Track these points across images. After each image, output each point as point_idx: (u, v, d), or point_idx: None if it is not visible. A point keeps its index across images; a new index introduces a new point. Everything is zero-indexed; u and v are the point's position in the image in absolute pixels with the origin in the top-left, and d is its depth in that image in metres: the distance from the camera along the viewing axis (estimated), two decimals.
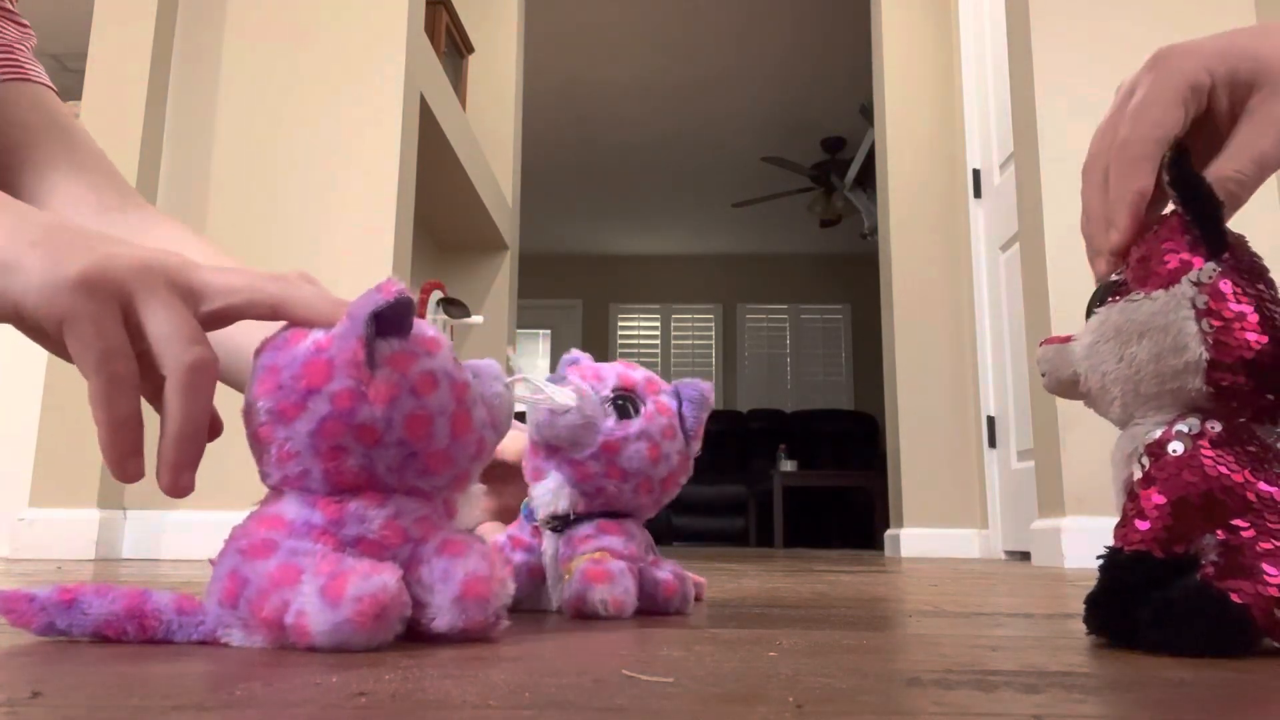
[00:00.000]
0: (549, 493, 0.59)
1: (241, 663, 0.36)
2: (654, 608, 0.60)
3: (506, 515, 0.67)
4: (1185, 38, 0.52)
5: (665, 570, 0.62)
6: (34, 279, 0.38)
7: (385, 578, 0.39)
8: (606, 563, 0.57)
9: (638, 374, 0.61)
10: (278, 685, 0.31)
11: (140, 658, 0.37)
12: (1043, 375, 0.54)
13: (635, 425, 0.58)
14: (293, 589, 0.39)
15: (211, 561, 0.42)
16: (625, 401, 0.59)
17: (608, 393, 0.59)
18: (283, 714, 0.26)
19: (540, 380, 0.58)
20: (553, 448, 0.59)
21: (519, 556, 0.61)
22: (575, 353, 0.64)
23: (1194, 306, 0.45)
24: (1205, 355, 0.45)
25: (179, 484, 0.40)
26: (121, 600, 0.40)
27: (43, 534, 1.84)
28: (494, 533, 0.65)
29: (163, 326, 0.39)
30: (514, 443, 0.64)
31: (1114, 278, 0.50)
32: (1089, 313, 0.52)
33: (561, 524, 0.59)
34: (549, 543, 0.60)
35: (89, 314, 0.38)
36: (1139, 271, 0.48)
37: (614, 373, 0.61)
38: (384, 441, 0.41)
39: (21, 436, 1.96)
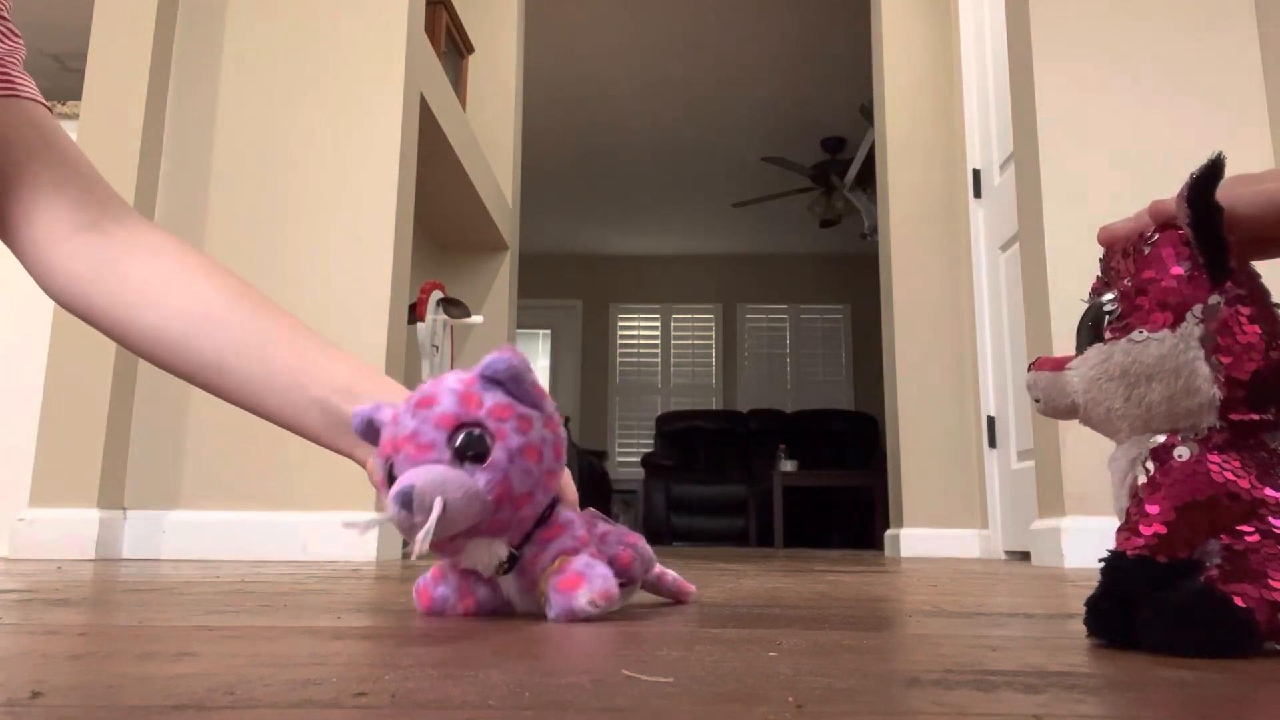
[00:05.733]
0: (484, 555, 0.57)
1: (241, 663, 0.36)
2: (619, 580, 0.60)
3: None
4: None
5: (613, 544, 0.61)
6: None
7: None
8: (569, 566, 0.56)
9: (446, 400, 0.55)
10: (277, 685, 0.31)
11: (140, 658, 0.37)
12: (1035, 401, 0.53)
13: (497, 453, 0.54)
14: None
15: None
16: (468, 441, 0.54)
17: (445, 447, 0.54)
18: (283, 714, 0.26)
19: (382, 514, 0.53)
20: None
21: (481, 591, 0.61)
22: (380, 411, 0.58)
23: (1203, 345, 0.45)
24: (1218, 395, 0.45)
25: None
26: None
27: (43, 534, 1.84)
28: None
29: None
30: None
31: (1106, 306, 0.50)
32: (1079, 338, 0.51)
33: (510, 563, 0.58)
34: (509, 585, 0.59)
35: None
36: (1135, 299, 0.48)
37: (430, 419, 0.55)
38: None
39: (21, 436, 1.97)
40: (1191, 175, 0.45)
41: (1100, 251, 0.52)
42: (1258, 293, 0.46)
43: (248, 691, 0.30)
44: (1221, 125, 2.04)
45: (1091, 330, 0.50)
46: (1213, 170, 0.45)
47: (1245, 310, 0.45)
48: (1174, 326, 0.46)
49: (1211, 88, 2.05)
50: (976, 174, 2.98)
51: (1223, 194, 0.45)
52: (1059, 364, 0.52)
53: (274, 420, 0.66)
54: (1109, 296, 0.49)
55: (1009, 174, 2.68)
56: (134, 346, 0.66)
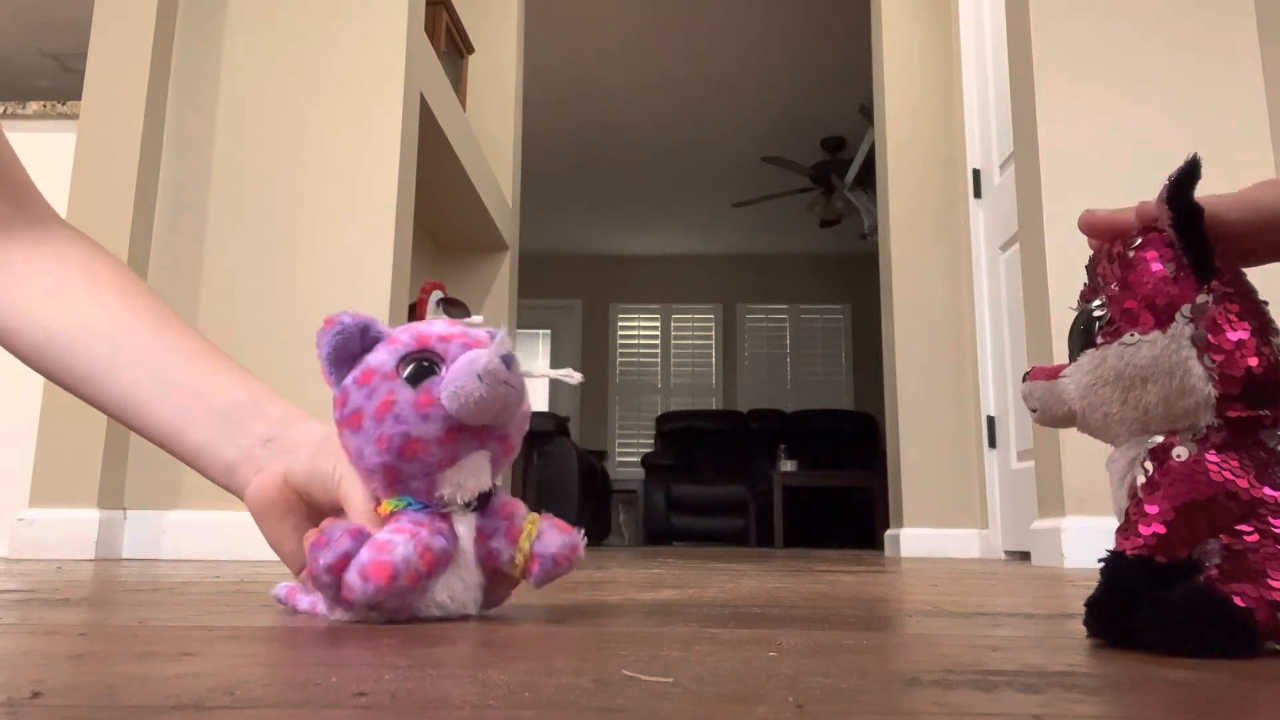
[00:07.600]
0: (475, 476, 0.55)
1: (241, 663, 0.37)
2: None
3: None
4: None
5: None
6: None
7: None
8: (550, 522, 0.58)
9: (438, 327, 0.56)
10: (277, 685, 0.31)
11: (140, 658, 0.37)
12: (1032, 411, 0.53)
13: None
14: None
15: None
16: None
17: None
18: (282, 714, 0.26)
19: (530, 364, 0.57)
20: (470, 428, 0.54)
21: (438, 542, 0.53)
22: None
23: (1194, 343, 0.45)
24: (1214, 393, 0.45)
25: None
26: None
27: (43, 534, 1.84)
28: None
29: None
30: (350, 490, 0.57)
31: (1096, 312, 0.50)
32: (1072, 345, 0.51)
33: (484, 500, 0.56)
34: (465, 525, 0.55)
35: None
36: (1124, 302, 0.48)
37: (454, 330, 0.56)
38: None
39: (21, 436, 1.97)
40: (1169, 177, 0.45)
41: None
42: (1244, 290, 0.46)
43: (248, 691, 0.30)
44: (1223, 124, 2.04)
45: (1083, 336, 0.50)
46: (1190, 171, 0.45)
47: (1234, 308, 0.45)
48: (1164, 327, 0.46)
49: (1212, 87, 2.05)
50: (976, 174, 2.98)
51: (1204, 200, 0.45)
52: (1053, 373, 0.52)
53: (150, 438, 0.63)
54: (1098, 303, 0.50)
55: (1009, 174, 2.68)
56: (20, 358, 0.64)
